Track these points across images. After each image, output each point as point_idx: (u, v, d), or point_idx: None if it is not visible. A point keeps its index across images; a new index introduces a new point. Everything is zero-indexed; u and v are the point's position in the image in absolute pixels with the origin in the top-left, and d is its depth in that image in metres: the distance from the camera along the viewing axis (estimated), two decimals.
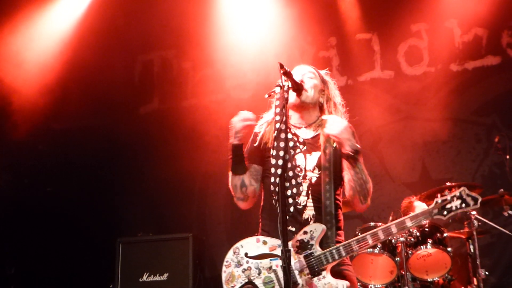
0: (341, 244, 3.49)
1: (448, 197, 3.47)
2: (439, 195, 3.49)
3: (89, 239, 8.34)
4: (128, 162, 8.90)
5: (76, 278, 8.34)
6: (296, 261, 3.47)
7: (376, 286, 6.35)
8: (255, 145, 3.81)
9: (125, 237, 7.41)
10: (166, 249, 7.14)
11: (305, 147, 3.70)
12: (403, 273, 6.24)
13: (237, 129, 3.64)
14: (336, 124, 3.61)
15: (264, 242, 3.60)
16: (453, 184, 6.24)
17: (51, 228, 8.53)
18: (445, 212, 3.46)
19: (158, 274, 7.03)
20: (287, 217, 3.27)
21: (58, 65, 8.52)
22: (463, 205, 3.44)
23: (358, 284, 6.15)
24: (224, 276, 3.65)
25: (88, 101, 8.82)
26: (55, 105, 8.79)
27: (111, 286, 7.15)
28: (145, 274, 7.06)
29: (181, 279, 6.94)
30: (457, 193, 3.46)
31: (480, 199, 3.43)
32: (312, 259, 3.46)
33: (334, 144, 3.67)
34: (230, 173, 3.75)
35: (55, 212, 8.64)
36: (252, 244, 3.63)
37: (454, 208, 3.45)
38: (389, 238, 6.29)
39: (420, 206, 6.47)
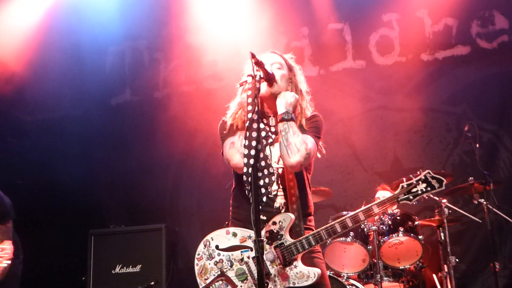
0: (311, 233, 3.52)
1: (414, 181, 3.50)
2: (404, 180, 3.54)
3: (61, 231, 8.27)
4: (99, 154, 8.81)
5: (48, 270, 8.27)
6: (268, 251, 3.49)
7: (349, 274, 6.39)
8: (225, 132, 3.79)
9: (97, 229, 7.36)
10: (139, 240, 7.12)
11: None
12: (375, 261, 6.30)
13: None
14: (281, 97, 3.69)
15: (234, 234, 3.61)
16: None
17: (22, 221, 8.42)
18: (411, 196, 3.49)
19: (131, 266, 7.00)
20: (260, 207, 3.28)
21: (27, 57, 8.40)
22: (429, 188, 3.47)
23: (331, 273, 6.20)
24: (196, 269, 3.66)
25: (59, 93, 8.73)
26: (25, 97, 8.69)
27: (83, 278, 7.10)
28: (118, 266, 7.03)
29: (154, 271, 6.93)
30: (422, 176, 3.49)
31: (444, 181, 3.47)
32: (283, 249, 3.49)
33: None
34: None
35: (25, 205, 8.53)
36: (222, 237, 3.64)
37: (420, 191, 3.48)
38: (358, 225, 6.33)
39: (381, 195, 6.58)
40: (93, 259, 7.14)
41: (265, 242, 3.49)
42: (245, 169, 3.35)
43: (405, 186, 3.51)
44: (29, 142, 8.95)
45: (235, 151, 3.60)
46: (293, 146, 3.53)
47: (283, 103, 3.64)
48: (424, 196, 3.50)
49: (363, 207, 3.54)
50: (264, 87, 3.64)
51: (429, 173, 3.50)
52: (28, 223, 8.35)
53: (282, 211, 3.59)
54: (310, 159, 3.62)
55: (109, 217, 7.96)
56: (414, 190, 3.49)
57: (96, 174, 8.73)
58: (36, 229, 8.43)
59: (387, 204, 3.53)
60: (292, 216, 3.53)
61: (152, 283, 6.79)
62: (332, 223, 3.52)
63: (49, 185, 8.52)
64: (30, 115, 9.06)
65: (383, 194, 6.74)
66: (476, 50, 7.91)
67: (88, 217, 8.20)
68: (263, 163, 3.45)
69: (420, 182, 3.49)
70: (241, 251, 3.57)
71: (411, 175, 3.53)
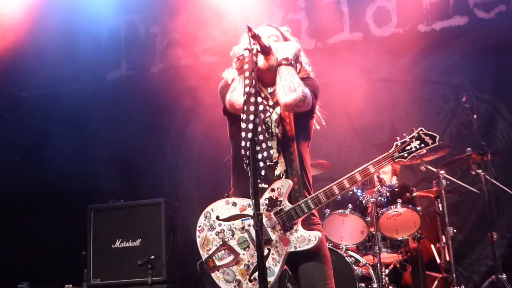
0: (309, 197, 3.57)
1: (407, 138, 3.60)
2: (398, 138, 3.61)
3: (60, 206, 8.29)
4: (97, 128, 8.81)
5: (47, 246, 8.32)
6: (267, 218, 3.52)
7: (347, 246, 6.43)
8: (228, 85, 3.79)
9: (96, 204, 7.37)
10: (138, 215, 7.13)
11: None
12: (374, 232, 6.34)
13: None
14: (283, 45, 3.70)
15: (234, 204, 3.64)
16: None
17: (21, 197, 8.46)
18: (405, 154, 3.59)
19: (131, 240, 7.03)
20: (259, 180, 3.30)
21: (22, 32, 8.34)
22: (422, 144, 3.57)
23: (330, 244, 6.24)
24: (198, 240, 3.69)
25: (55, 68, 8.67)
26: (21, 73, 8.65)
27: (83, 253, 7.14)
28: (117, 240, 7.05)
29: (154, 245, 6.96)
30: (415, 133, 3.60)
31: (438, 137, 3.58)
32: (283, 215, 3.52)
33: None
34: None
35: (24, 181, 8.55)
36: (222, 207, 3.67)
37: (414, 148, 3.58)
38: (354, 188, 6.36)
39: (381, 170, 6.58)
40: (93, 234, 7.15)
41: (265, 209, 3.53)
42: (243, 143, 3.36)
43: (399, 144, 3.61)
44: (25, 118, 8.93)
45: (238, 93, 3.59)
46: (290, 84, 3.55)
47: (284, 50, 3.64)
48: (421, 152, 3.58)
49: (359, 168, 3.59)
50: (261, 60, 3.63)
51: (422, 130, 3.60)
52: (26, 199, 8.40)
53: (283, 178, 3.62)
54: (305, 104, 3.60)
55: (108, 192, 7.97)
56: (408, 147, 3.59)
57: (94, 149, 8.73)
58: (35, 205, 8.46)
59: (383, 163, 3.61)
60: (290, 182, 3.56)
61: (152, 257, 6.83)
62: (330, 185, 3.59)
63: (47, 160, 8.53)
64: (26, 91, 9.03)
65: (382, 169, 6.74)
66: (474, 21, 7.87)
67: (86, 192, 8.23)
68: (261, 137, 3.44)
69: (413, 139, 3.59)
70: (242, 220, 3.61)
71: (404, 133, 3.60)
